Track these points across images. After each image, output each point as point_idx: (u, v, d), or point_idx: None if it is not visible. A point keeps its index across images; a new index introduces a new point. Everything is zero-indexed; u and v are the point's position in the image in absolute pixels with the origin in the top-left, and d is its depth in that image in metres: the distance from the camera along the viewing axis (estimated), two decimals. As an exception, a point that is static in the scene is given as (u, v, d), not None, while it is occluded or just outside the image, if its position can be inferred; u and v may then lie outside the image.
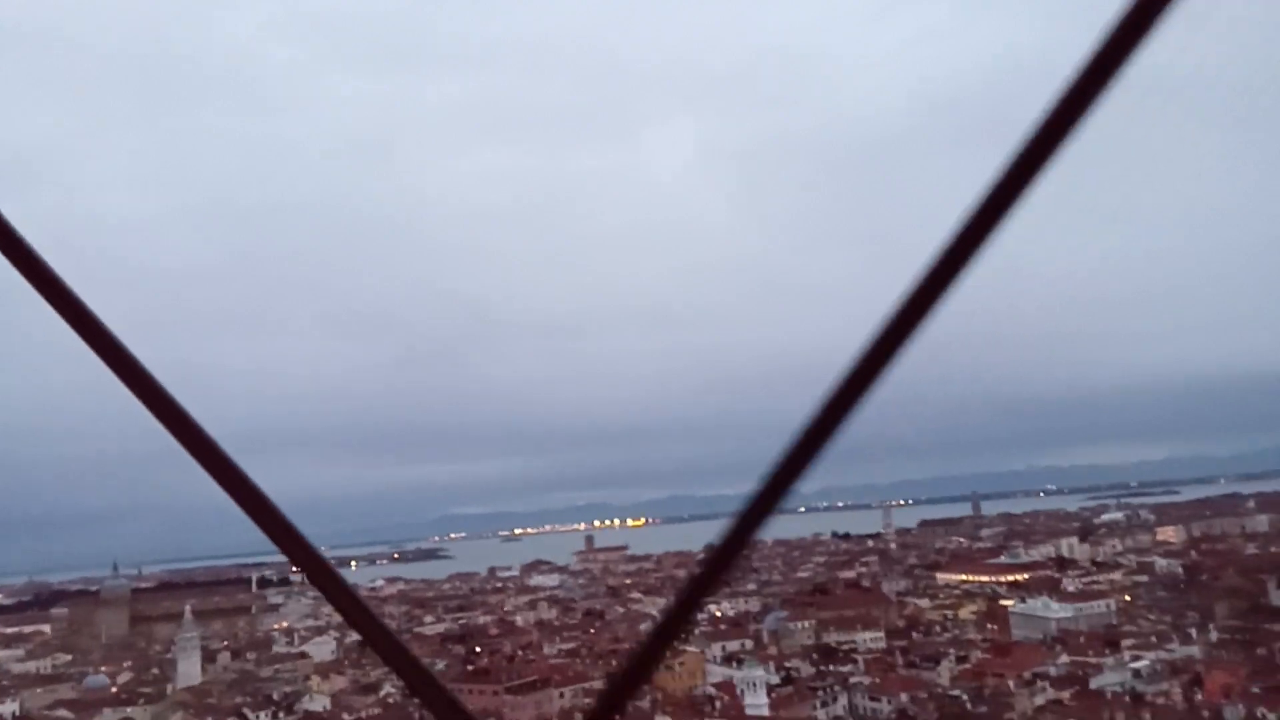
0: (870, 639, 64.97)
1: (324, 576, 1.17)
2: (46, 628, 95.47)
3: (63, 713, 55.92)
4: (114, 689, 63.96)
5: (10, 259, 1.16)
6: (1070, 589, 74.75)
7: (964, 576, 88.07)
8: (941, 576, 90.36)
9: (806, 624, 69.56)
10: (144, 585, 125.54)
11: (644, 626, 72.66)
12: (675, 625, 1.10)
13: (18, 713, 56.41)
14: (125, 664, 74.21)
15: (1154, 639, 56.62)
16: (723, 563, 1.03)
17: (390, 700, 52.82)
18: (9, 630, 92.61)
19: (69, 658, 78.07)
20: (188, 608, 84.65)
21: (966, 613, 71.49)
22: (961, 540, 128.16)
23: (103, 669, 71.13)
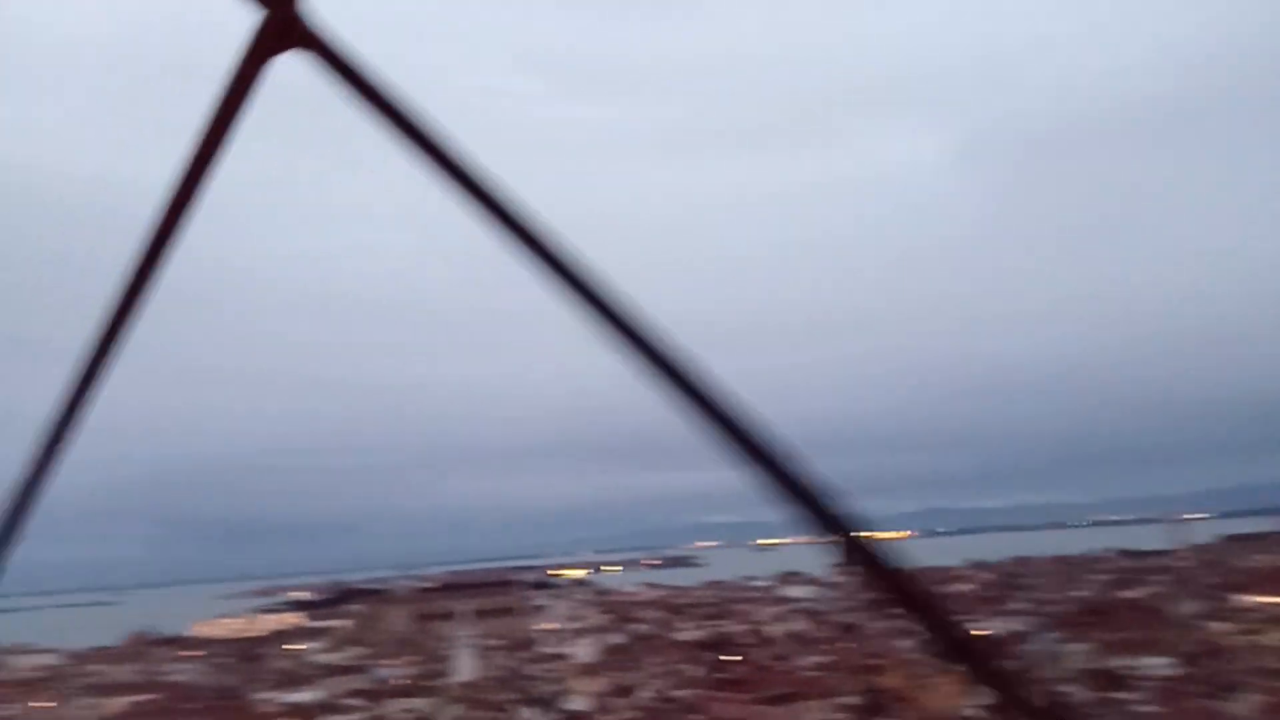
0: (1157, 664, 58.92)
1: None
2: (344, 623, 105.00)
3: (357, 701, 61.20)
4: (400, 681, 69.24)
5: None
6: None
7: (1274, 599, 78.19)
8: (1245, 598, 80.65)
9: (1082, 647, 64.13)
10: (426, 585, 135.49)
11: (901, 643, 69.89)
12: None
13: (320, 699, 62.41)
14: (410, 659, 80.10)
15: None
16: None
17: (647, 703, 53.83)
18: (314, 625, 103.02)
19: (362, 651, 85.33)
20: (464, 608, 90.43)
21: (1274, 639, 63.31)
22: (1272, 558, 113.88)
23: (391, 663, 77.13)
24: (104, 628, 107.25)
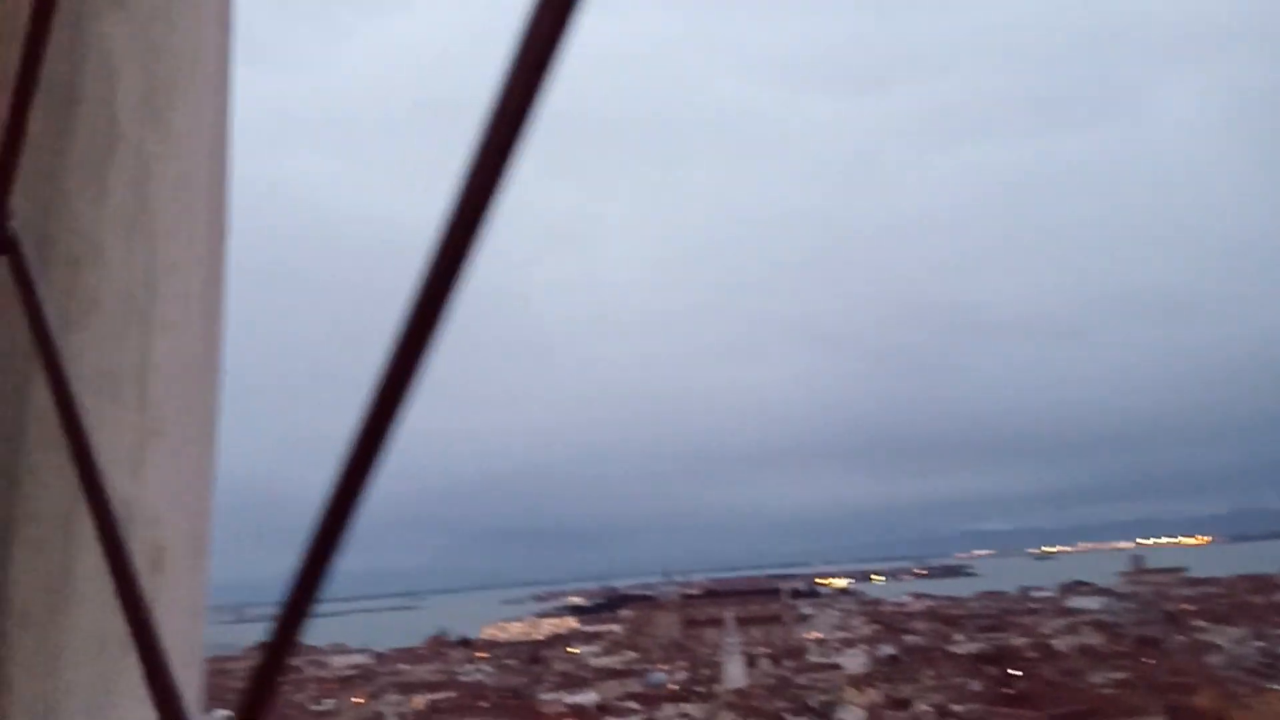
0: None
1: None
2: (616, 627, 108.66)
3: (632, 704, 63.12)
4: (672, 686, 70.72)
5: None
6: None
7: None
8: None
9: None
10: (692, 592, 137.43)
11: (1211, 658, 63.27)
12: None
13: (597, 701, 64.95)
14: (680, 664, 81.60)
15: None
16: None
17: (924, 717, 51.82)
18: (589, 629, 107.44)
19: (635, 655, 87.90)
20: (730, 615, 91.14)
21: None
22: None
23: (662, 668, 78.95)
24: (405, 630, 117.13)
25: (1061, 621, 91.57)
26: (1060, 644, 77.39)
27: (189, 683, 1.42)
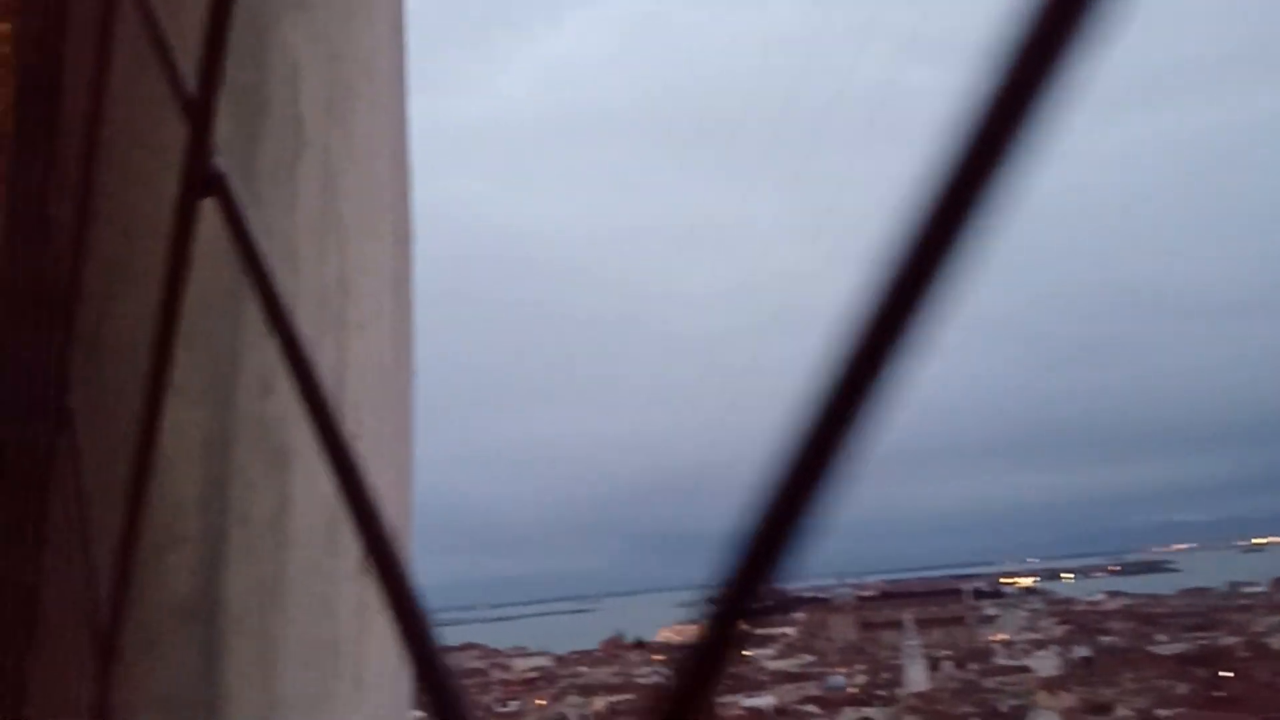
0: None
1: None
2: (790, 630, 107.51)
3: (811, 708, 62.27)
4: (851, 690, 69.35)
5: None
6: None
7: None
8: None
9: None
10: (866, 594, 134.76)
11: None
12: None
13: (775, 705, 64.41)
14: (858, 667, 79.98)
15: None
16: None
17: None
18: (761, 631, 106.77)
19: (810, 658, 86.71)
20: (908, 616, 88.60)
21: None
22: None
23: (840, 671, 77.55)
24: (582, 633, 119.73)
25: (1278, 619, 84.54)
26: (1277, 643, 71.52)
27: (397, 689, 1.39)
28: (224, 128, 1.50)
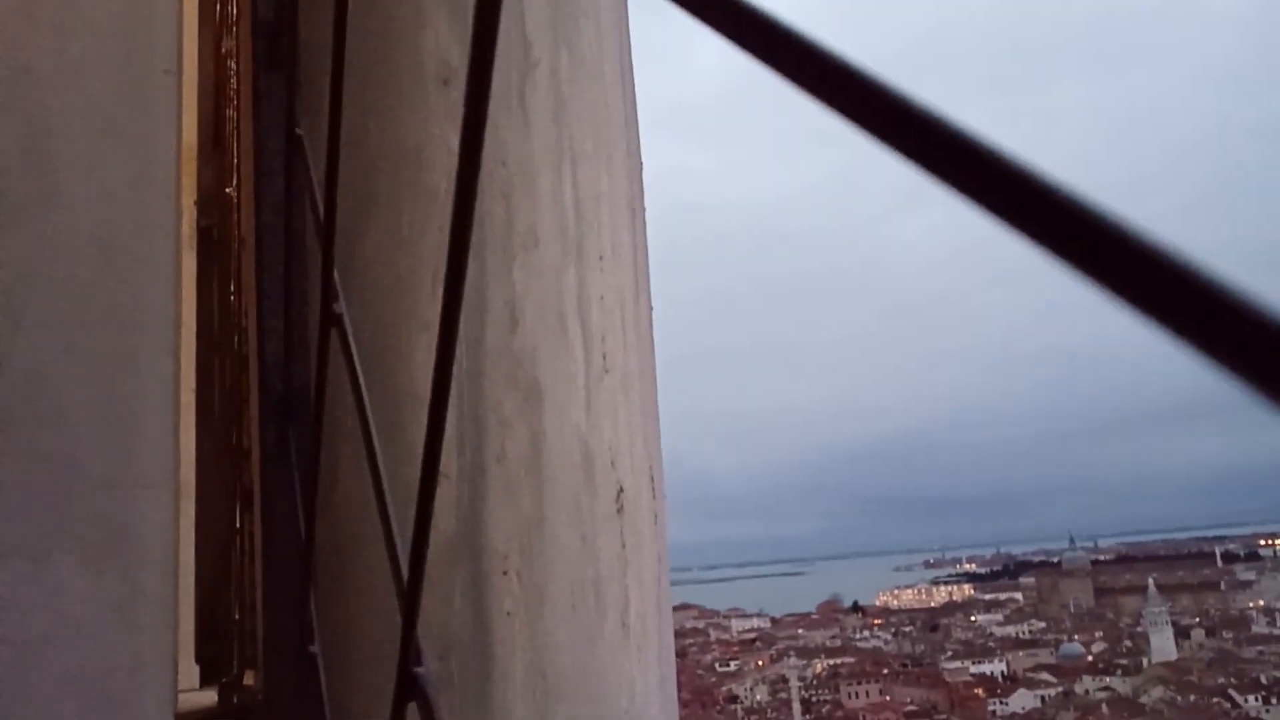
0: None
1: None
2: (1018, 595, 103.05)
3: (1045, 676, 59.48)
4: (1089, 658, 65.74)
5: None
6: None
7: None
8: None
9: None
10: (1101, 558, 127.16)
11: None
12: None
13: (1005, 671, 61.98)
14: (1096, 634, 75.73)
15: None
16: None
17: None
18: (987, 597, 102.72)
19: (1042, 625, 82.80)
20: (1151, 582, 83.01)
21: None
22: None
23: (1076, 638, 73.68)
24: (797, 596, 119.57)
25: None
26: None
27: (661, 633, 1.30)
28: (452, 53, 1.45)
